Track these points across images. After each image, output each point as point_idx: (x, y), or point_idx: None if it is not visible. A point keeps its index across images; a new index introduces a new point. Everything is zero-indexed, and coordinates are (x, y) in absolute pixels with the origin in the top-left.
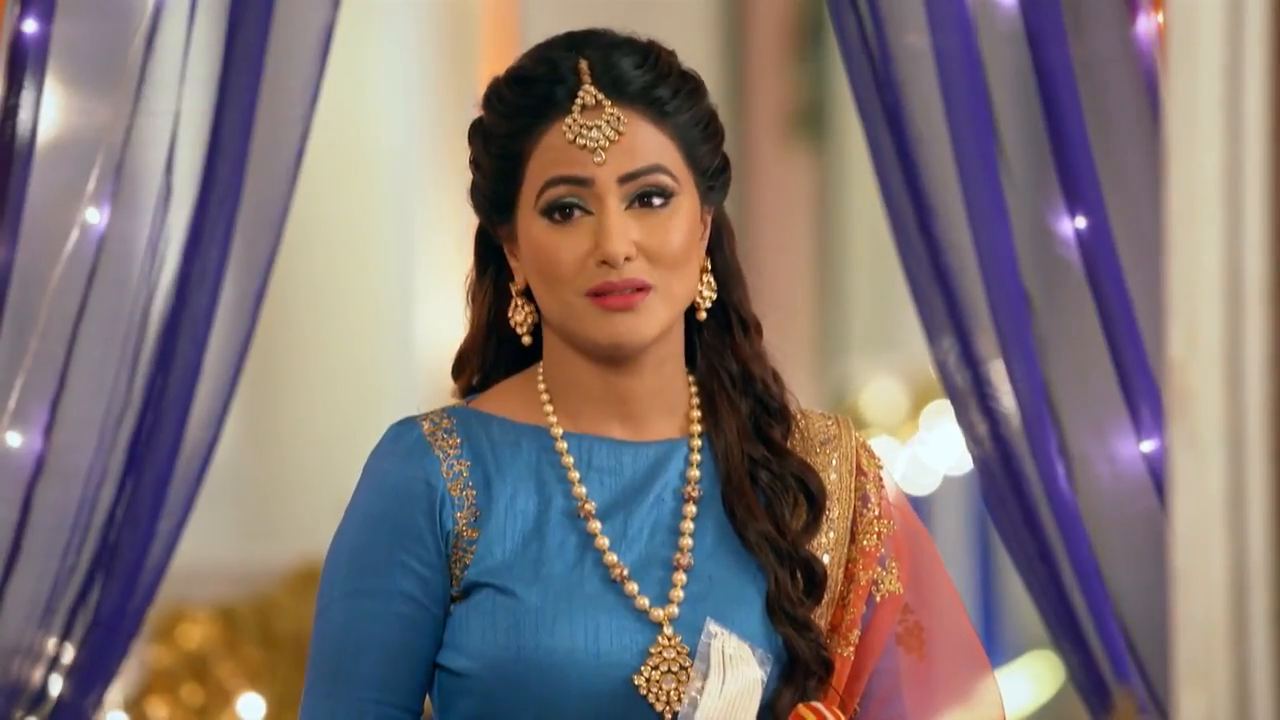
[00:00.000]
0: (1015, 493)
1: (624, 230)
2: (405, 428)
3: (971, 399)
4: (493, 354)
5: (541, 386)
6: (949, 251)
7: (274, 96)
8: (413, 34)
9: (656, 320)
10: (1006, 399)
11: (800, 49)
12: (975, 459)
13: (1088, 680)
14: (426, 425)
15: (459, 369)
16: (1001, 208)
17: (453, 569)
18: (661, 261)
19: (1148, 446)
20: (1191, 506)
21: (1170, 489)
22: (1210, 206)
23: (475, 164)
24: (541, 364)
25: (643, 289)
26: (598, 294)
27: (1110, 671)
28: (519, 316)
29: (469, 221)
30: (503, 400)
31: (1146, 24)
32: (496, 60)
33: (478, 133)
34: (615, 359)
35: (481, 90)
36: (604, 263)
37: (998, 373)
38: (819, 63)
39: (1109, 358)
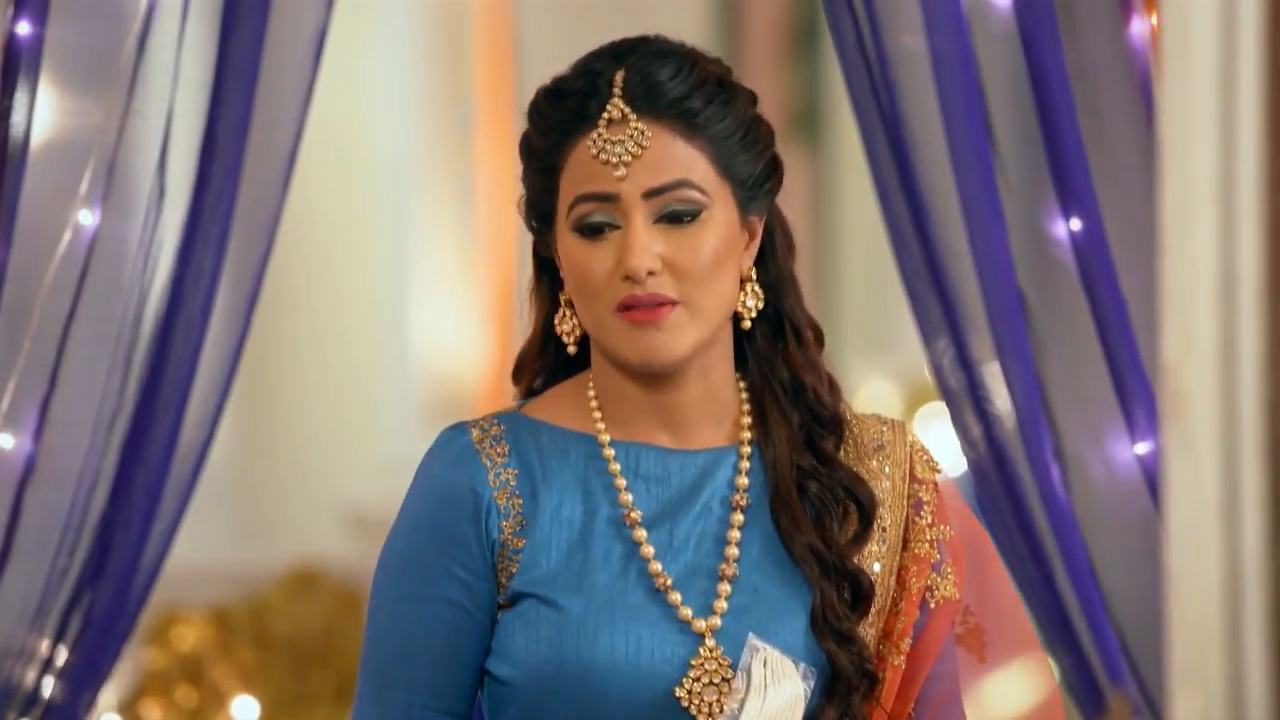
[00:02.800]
0: (1009, 495)
1: (647, 245)
2: (455, 433)
3: (966, 401)
4: (551, 359)
5: (591, 393)
6: (944, 253)
7: (267, 98)
8: (406, 36)
9: (685, 337)
10: (1001, 401)
11: (795, 51)
12: (970, 461)
13: (1081, 682)
14: (476, 432)
15: (518, 374)
16: (997, 210)
17: (499, 577)
18: (689, 277)
19: (1142, 449)
20: (1186, 508)
21: (1165, 491)
22: (1205, 208)
23: (522, 177)
24: (591, 370)
25: (667, 304)
26: (625, 308)
27: (1104, 674)
28: (565, 326)
29: (463, 224)
30: (554, 406)
31: (1141, 26)
32: (490, 62)
33: (523, 146)
34: (652, 373)
35: (521, 100)
36: (628, 277)
37: (993, 375)
38: (813, 65)
39: (1103, 360)
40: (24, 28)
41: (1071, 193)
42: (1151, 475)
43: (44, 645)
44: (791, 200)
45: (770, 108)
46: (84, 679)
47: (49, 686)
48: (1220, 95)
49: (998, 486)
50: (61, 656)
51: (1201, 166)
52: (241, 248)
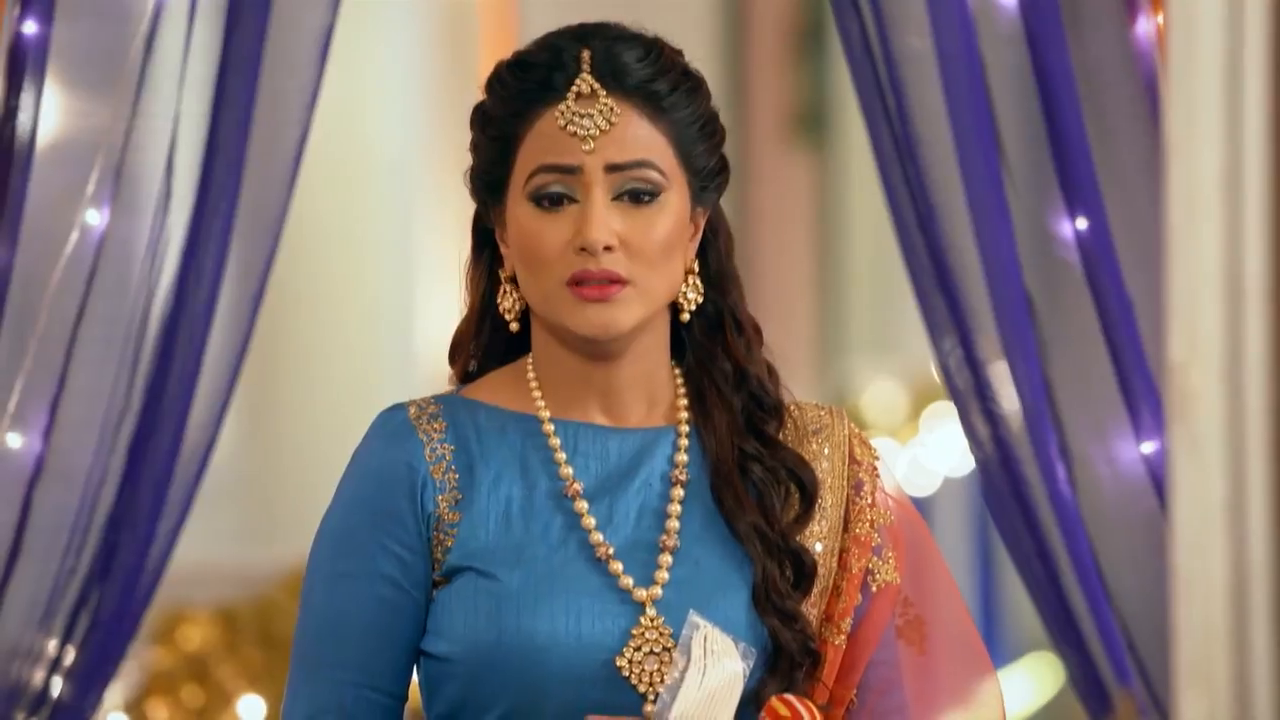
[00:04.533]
0: (1016, 494)
1: (606, 220)
2: (391, 413)
3: (973, 400)
4: (487, 339)
5: (531, 375)
6: (951, 253)
7: (273, 99)
8: (412, 36)
9: (632, 314)
10: (1008, 400)
11: (801, 50)
12: (977, 460)
13: (1088, 682)
14: (412, 410)
15: (455, 354)
16: (1003, 209)
17: (434, 552)
18: (641, 257)
19: (1148, 448)
20: (1192, 508)
21: (1171, 491)
22: (1210, 208)
23: (473, 146)
24: (531, 354)
25: (618, 282)
26: (576, 283)
27: (1110, 673)
28: (507, 303)
29: (468, 222)
30: (493, 389)
31: (1146, 26)
32: (496, 61)
33: (478, 115)
34: (594, 348)
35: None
36: (583, 250)
37: (999, 374)
38: (820, 64)
39: (1109, 359)
40: (30, 27)
41: (1077, 192)
42: (1157, 475)
43: (51, 645)
44: (798, 200)
45: (777, 107)
46: (91, 678)
47: (57, 686)
48: (1226, 95)
49: (1004, 485)
50: (69, 656)
51: (1207, 166)
52: (247, 247)
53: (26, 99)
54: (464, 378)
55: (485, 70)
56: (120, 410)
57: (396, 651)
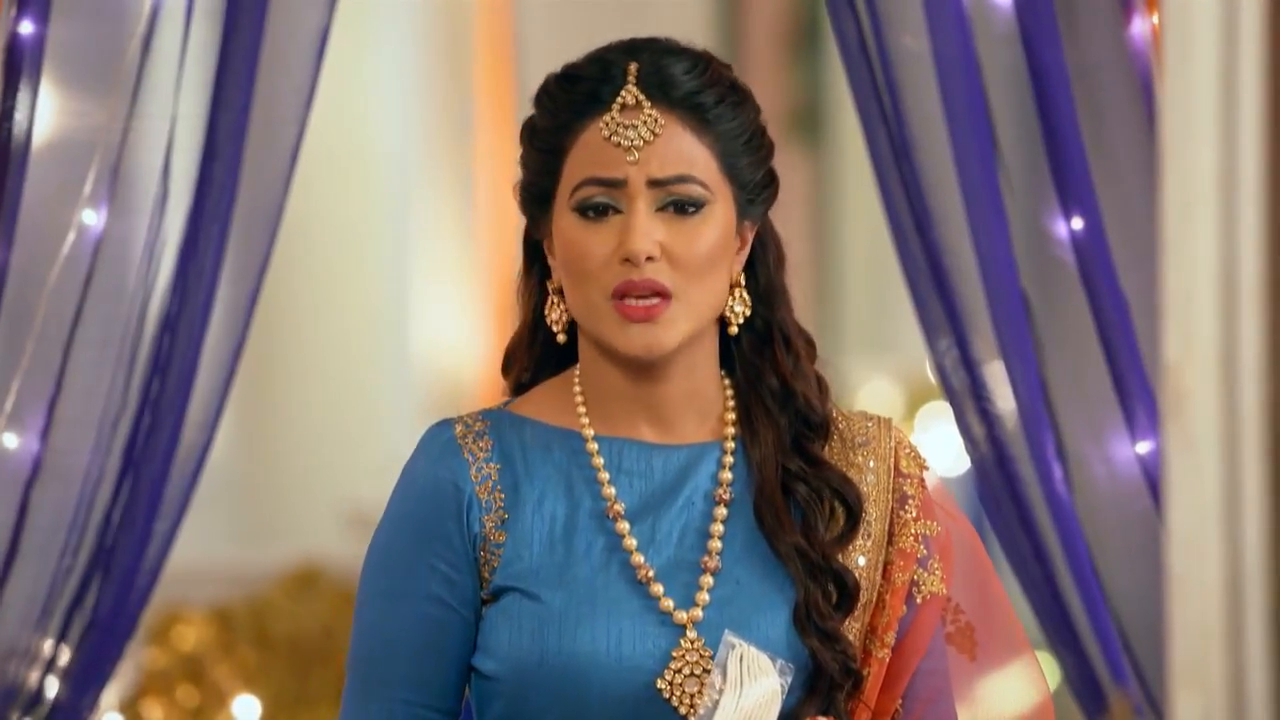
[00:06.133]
0: (1011, 494)
1: (649, 230)
2: (439, 430)
3: (969, 400)
4: (539, 351)
5: (577, 389)
6: (946, 253)
7: (269, 99)
8: (408, 37)
9: (676, 332)
10: (1003, 400)
11: (796, 51)
12: (972, 460)
13: (1083, 682)
14: (459, 428)
15: (507, 366)
16: (999, 209)
17: (481, 571)
18: (685, 268)
19: (1143, 448)
20: (1187, 508)
21: (1166, 490)
22: (1205, 208)
23: (521, 160)
24: (578, 366)
25: (662, 294)
26: (620, 296)
27: (1106, 673)
28: (554, 315)
29: (464, 224)
30: (539, 403)
31: (1141, 26)
32: (491, 63)
33: (526, 129)
34: (640, 365)
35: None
36: (626, 260)
37: (995, 374)
38: (815, 64)
39: (1105, 359)
40: (26, 27)
41: (1073, 192)
42: (1153, 475)
43: (47, 645)
44: (793, 200)
45: (772, 108)
46: (87, 679)
47: (52, 686)
48: (1221, 95)
49: (1000, 486)
50: (64, 656)
51: (1202, 166)
52: (243, 247)
53: (23, 99)
54: (516, 388)
55: (481, 70)
56: (117, 410)
57: (448, 669)
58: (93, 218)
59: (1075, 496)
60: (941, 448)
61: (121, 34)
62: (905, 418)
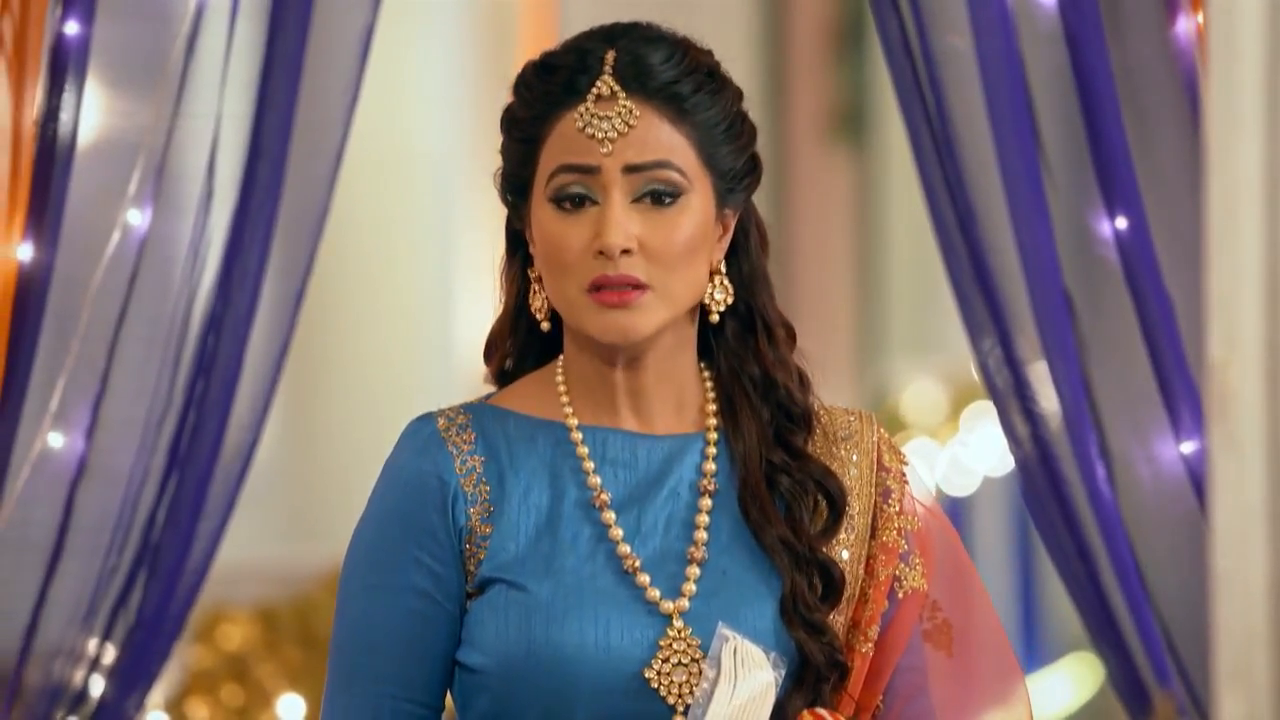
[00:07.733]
0: (1055, 494)
1: (624, 223)
2: (421, 424)
3: (1013, 400)
4: (522, 338)
5: (560, 379)
6: (990, 253)
7: (314, 98)
8: (452, 35)
9: (652, 318)
10: (1047, 400)
11: (841, 51)
12: (1016, 459)
13: (1127, 682)
14: (441, 421)
15: (489, 353)
16: (1042, 209)
17: (467, 564)
18: (661, 260)
19: (1188, 448)
20: (1231, 508)
21: (1210, 491)
22: (1250, 207)
23: (501, 149)
24: (561, 357)
25: (638, 287)
26: (595, 288)
27: (1150, 673)
28: (537, 303)
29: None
30: (522, 395)
31: (1186, 25)
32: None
33: (505, 118)
34: (617, 352)
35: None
36: (601, 253)
37: (1039, 374)
38: (860, 64)
39: (1149, 359)
40: (72, 27)
41: (1117, 192)
42: (1197, 475)
43: (92, 644)
44: (837, 200)
45: (816, 107)
46: (132, 678)
47: (98, 685)
48: (1266, 94)
49: (1044, 485)
50: (110, 655)
51: (1247, 165)
52: (288, 246)
53: (68, 99)
54: (499, 376)
55: None
56: (162, 410)
57: (432, 663)
58: (138, 218)
59: (1119, 496)
60: (986, 448)
61: (166, 33)
62: (950, 418)
